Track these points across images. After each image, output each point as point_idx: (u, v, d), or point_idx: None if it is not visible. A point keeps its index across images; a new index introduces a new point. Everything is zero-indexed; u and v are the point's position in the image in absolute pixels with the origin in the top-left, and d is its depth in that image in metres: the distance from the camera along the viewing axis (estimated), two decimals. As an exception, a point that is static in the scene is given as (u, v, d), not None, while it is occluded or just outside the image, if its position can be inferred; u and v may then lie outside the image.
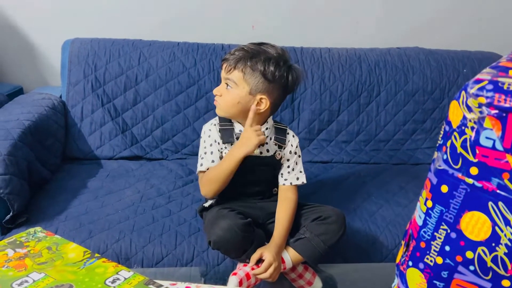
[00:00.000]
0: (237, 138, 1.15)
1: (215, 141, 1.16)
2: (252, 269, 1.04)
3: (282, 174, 1.19)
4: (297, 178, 1.19)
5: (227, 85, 1.13)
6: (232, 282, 1.01)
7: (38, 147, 1.41)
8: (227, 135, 1.15)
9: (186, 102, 1.68)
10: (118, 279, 0.72)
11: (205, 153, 1.16)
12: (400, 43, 1.92)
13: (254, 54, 1.11)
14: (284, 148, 1.19)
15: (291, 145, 1.20)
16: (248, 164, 1.13)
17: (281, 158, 1.19)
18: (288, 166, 1.19)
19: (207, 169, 1.14)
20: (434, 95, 1.81)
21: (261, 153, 1.16)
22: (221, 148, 1.16)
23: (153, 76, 1.66)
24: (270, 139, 1.17)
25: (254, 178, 1.17)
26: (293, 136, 1.22)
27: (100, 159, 1.62)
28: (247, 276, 1.04)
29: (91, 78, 1.64)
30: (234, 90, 1.11)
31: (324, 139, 1.77)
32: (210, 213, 1.14)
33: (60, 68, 1.69)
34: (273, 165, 1.18)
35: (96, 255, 0.79)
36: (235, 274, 1.04)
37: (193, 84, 1.68)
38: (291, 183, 1.18)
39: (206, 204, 1.17)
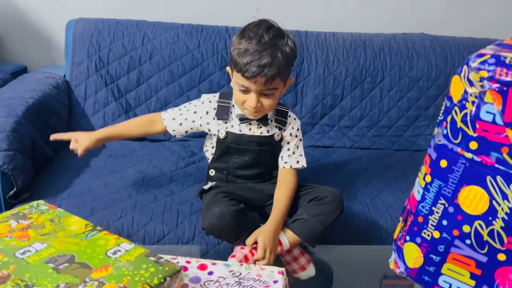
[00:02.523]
0: (238, 117, 1.14)
1: (195, 112, 1.16)
2: (251, 253, 1.05)
3: (282, 157, 1.19)
4: (297, 162, 1.19)
5: (265, 94, 1.07)
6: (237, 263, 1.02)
7: (41, 125, 1.41)
8: (223, 112, 1.15)
9: (189, 84, 1.68)
10: (119, 250, 0.73)
11: (179, 109, 1.19)
12: (405, 28, 1.90)
13: (276, 50, 1.03)
14: (284, 130, 1.18)
15: (292, 127, 1.19)
16: (246, 143, 1.14)
17: (280, 139, 1.18)
18: (289, 149, 1.19)
19: (164, 118, 1.19)
20: (438, 82, 1.80)
21: (261, 133, 1.16)
22: (199, 124, 1.17)
23: (157, 57, 1.66)
24: (271, 121, 1.17)
25: (252, 159, 1.17)
26: (295, 119, 1.20)
27: (103, 139, 1.63)
28: (246, 258, 1.05)
29: (94, 58, 1.64)
30: (276, 92, 1.08)
31: (326, 124, 1.77)
32: (207, 196, 1.14)
33: (64, 47, 1.69)
34: (271, 146, 1.18)
35: (98, 228, 0.80)
36: (233, 256, 1.05)
37: (196, 66, 1.68)
38: (291, 166, 1.18)
39: (206, 187, 1.18)
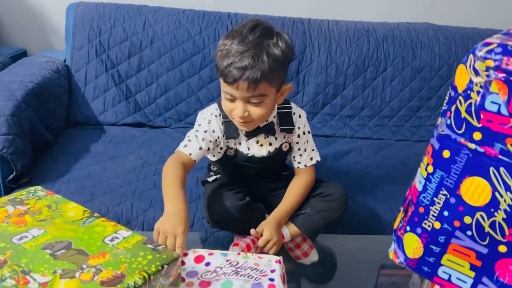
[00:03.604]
0: (243, 133, 1.06)
1: (213, 131, 1.04)
2: (253, 242, 1.04)
3: (294, 157, 1.14)
4: (311, 158, 1.14)
5: (252, 102, 0.95)
6: (234, 252, 1.02)
7: (41, 110, 1.41)
8: (231, 130, 1.05)
9: (190, 70, 1.67)
10: (116, 237, 0.73)
11: (196, 136, 1.02)
12: (410, 18, 1.88)
13: (260, 50, 0.90)
14: (292, 135, 1.11)
15: (299, 127, 1.10)
16: (255, 162, 1.10)
17: (289, 147, 1.13)
18: (299, 149, 1.12)
19: (190, 154, 1.00)
20: (441, 72, 1.79)
21: (269, 152, 1.09)
22: (218, 141, 1.05)
23: (158, 43, 1.64)
24: (275, 124, 1.08)
25: (259, 176, 1.13)
26: (299, 116, 1.11)
27: (103, 124, 1.62)
28: (248, 247, 1.04)
29: (95, 42, 1.62)
30: (265, 99, 0.95)
31: (328, 113, 1.76)
32: (211, 188, 1.10)
33: (64, 31, 1.67)
34: (279, 157, 1.13)
35: (96, 214, 0.80)
36: (236, 244, 1.04)
37: (197, 52, 1.66)
38: (305, 165, 1.13)
39: (210, 179, 1.15)
